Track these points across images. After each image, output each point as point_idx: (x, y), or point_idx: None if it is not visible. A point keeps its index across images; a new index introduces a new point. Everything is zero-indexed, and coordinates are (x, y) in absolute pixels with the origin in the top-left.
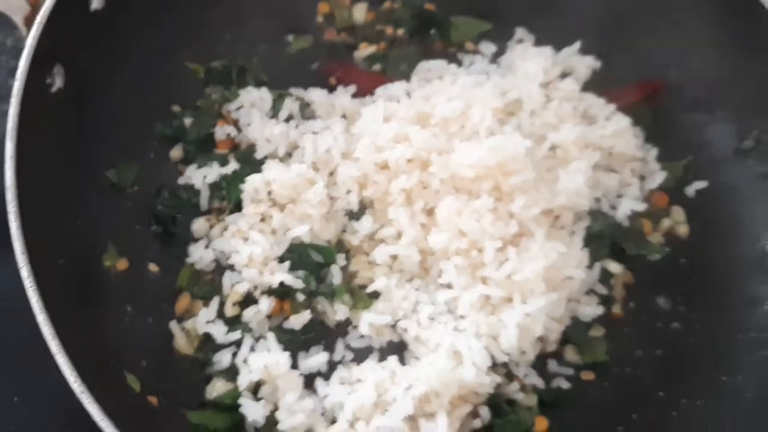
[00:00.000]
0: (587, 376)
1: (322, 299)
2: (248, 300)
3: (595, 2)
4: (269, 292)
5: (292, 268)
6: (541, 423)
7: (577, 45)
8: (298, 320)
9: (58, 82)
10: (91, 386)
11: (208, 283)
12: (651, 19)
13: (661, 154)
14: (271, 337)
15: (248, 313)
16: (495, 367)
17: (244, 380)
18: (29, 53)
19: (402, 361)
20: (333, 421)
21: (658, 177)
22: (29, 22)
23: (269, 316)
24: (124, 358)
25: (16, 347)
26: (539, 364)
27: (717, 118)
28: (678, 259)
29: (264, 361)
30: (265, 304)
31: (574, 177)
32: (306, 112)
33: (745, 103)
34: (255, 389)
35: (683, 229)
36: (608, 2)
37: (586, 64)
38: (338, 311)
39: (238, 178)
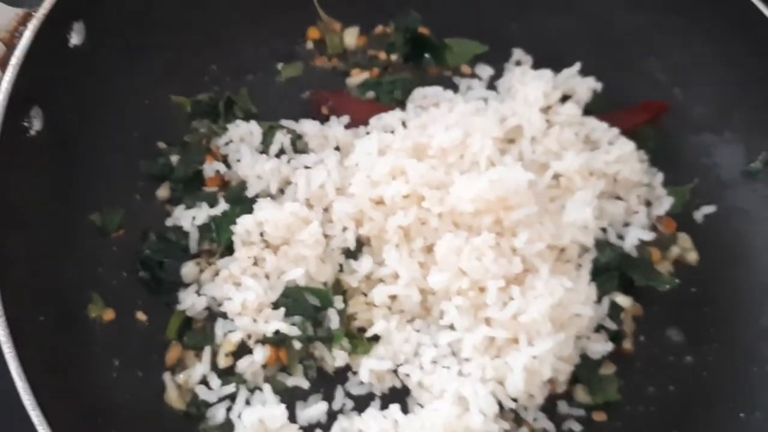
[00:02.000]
0: (599, 416)
1: (319, 345)
2: (242, 349)
3: (595, 21)
4: (264, 340)
5: (288, 314)
6: None
7: (577, 66)
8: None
9: (36, 124)
10: None
11: (200, 332)
12: (653, 37)
13: (667, 179)
14: (267, 388)
15: (242, 364)
16: (502, 412)
17: None
18: (5, 97)
19: (405, 409)
20: None
21: (665, 203)
22: (3, 62)
23: (264, 366)
24: (112, 417)
25: None
26: (549, 406)
27: (724, 139)
28: (688, 289)
29: (259, 415)
30: (260, 353)
31: (580, 209)
32: (298, 145)
33: (752, 123)
34: None
35: (692, 257)
36: (608, 21)
37: (586, 86)
38: (337, 357)
39: (228, 219)
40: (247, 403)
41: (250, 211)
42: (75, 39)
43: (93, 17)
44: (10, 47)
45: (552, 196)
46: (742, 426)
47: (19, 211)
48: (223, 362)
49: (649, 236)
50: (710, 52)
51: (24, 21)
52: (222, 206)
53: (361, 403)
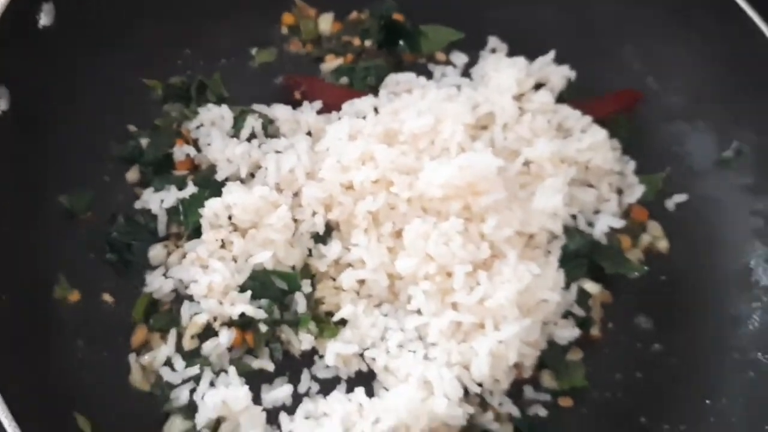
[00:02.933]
0: (565, 402)
1: (286, 328)
2: (208, 332)
3: (571, 9)
4: (230, 323)
5: (254, 297)
6: None
7: (551, 54)
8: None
9: (1, 104)
10: None
11: (166, 314)
12: (628, 26)
13: (639, 167)
14: (231, 370)
15: (208, 346)
16: (468, 396)
17: (202, 418)
18: None
19: (370, 393)
20: None
21: (636, 191)
22: None
23: (230, 349)
24: (74, 398)
25: None
26: (514, 391)
27: (696, 128)
28: (658, 277)
29: (223, 396)
30: (226, 336)
31: (550, 196)
32: (269, 129)
33: (725, 113)
34: (215, 427)
35: (663, 245)
36: (584, 9)
37: (560, 74)
38: (303, 340)
39: (196, 201)
40: (212, 384)
41: (219, 194)
42: (44, 20)
43: None
44: None
45: (522, 183)
46: (708, 412)
47: None
48: (188, 344)
49: (619, 224)
50: (684, 41)
51: None
52: (190, 189)
53: (326, 387)
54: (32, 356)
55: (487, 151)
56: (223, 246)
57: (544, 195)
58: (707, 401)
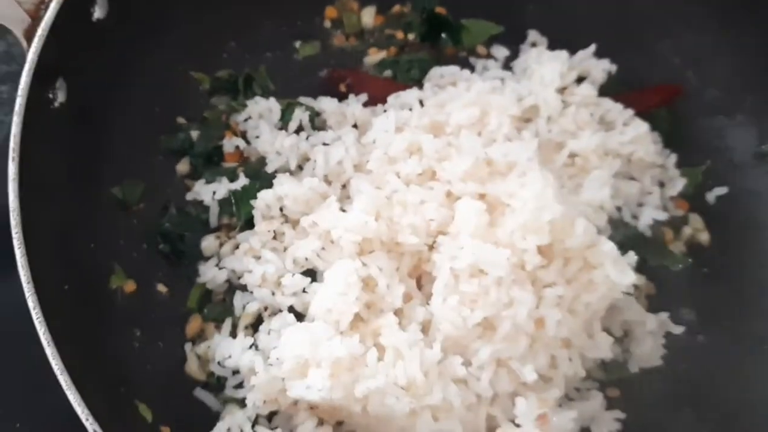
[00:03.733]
0: (612, 393)
1: None
2: (260, 321)
3: (610, 3)
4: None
5: None
6: None
7: (592, 48)
8: None
9: (60, 96)
10: (102, 422)
11: (220, 304)
12: (668, 21)
13: (680, 160)
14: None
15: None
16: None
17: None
18: (30, 68)
19: None
20: None
21: (678, 184)
22: (29, 35)
23: None
24: (134, 386)
25: (21, 371)
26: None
27: (736, 122)
28: (700, 269)
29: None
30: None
31: (597, 188)
32: (316, 122)
33: (764, 106)
34: (270, 416)
35: (704, 237)
36: (623, 4)
37: (601, 68)
38: None
39: (248, 193)
40: None
41: (269, 186)
42: (98, 13)
43: None
44: (36, 19)
45: (569, 174)
46: (752, 405)
47: (42, 181)
48: (242, 334)
49: (663, 216)
50: (723, 36)
51: None
52: (242, 181)
53: None
54: (94, 345)
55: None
56: (274, 237)
57: (592, 187)
58: (749, 393)
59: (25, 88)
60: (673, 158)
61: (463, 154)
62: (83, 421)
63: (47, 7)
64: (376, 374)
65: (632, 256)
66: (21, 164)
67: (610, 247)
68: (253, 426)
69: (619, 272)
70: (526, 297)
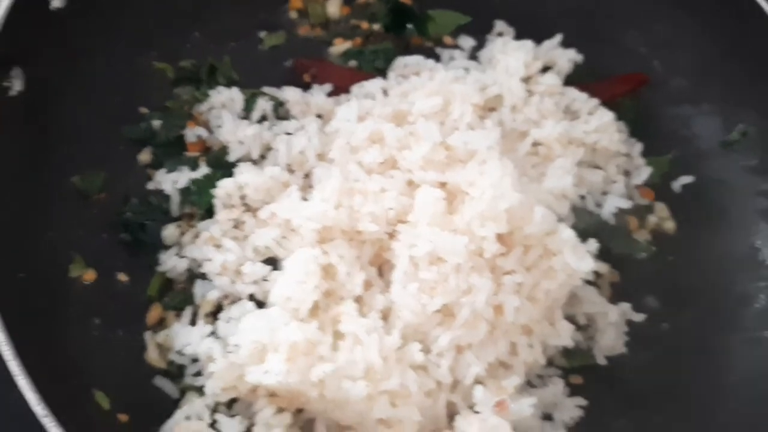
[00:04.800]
0: (576, 380)
1: None
2: (219, 309)
3: None
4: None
5: None
6: None
7: (558, 38)
8: None
9: (17, 85)
10: (55, 408)
11: (180, 293)
12: (634, 10)
13: (646, 149)
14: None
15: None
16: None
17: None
18: None
19: None
20: None
21: (643, 172)
22: None
23: None
24: (92, 375)
25: None
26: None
27: (702, 111)
28: (665, 257)
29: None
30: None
31: (560, 176)
32: (280, 111)
33: (729, 95)
34: (230, 404)
35: (669, 225)
36: None
37: (567, 58)
38: None
39: (209, 182)
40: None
41: (230, 175)
42: (56, 1)
43: None
44: None
45: (532, 163)
46: (717, 392)
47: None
48: (202, 322)
49: (627, 204)
50: (689, 25)
51: None
52: (203, 170)
53: None
54: (50, 334)
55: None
56: (235, 226)
57: (554, 175)
58: (716, 381)
59: None
60: (638, 147)
61: (420, 141)
62: (34, 407)
63: None
64: (333, 359)
65: (593, 244)
66: None
67: (568, 234)
68: (212, 413)
69: (578, 259)
70: (484, 284)
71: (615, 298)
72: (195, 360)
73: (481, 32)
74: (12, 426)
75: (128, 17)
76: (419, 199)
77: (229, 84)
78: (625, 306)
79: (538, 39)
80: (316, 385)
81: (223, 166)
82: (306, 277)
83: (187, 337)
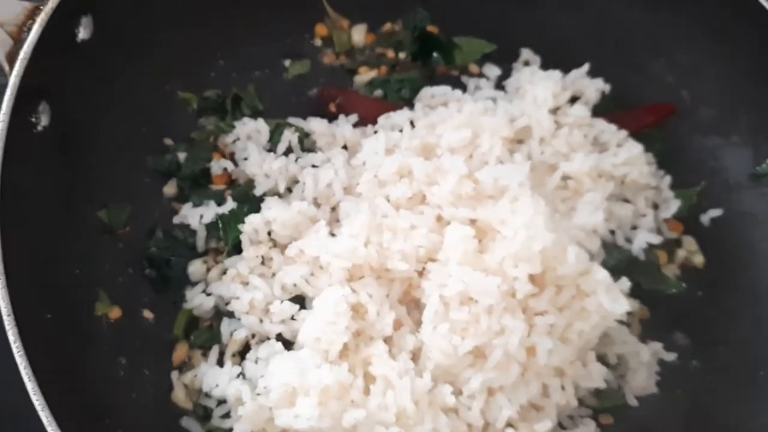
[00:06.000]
0: (606, 420)
1: None
2: (247, 348)
3: (603, 22)
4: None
5: None
6: None
7: (586, 67)
8: None
9: (43, 120)
10: None
11: (206, 331)
12: (661, 39)
13: (674, 181)
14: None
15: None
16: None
17: None
18: (12, 92)
19: None
20: None
21: (672, 205)
22: (11, 57)
23: None
24: (119, 416)
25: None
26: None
27: (731, 142)
28: (694, 292)
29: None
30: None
31: (591, 212)
32: (305, 143)
33: (759, 126)
34: None
35: (699, 260)
36: (617, 22)
37: (595, 87)
38: None
39: (236, 217)
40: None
41: (257, 209)
42: (83, 33)
43: (100, 11)
44: (18, 42)
45: (562, 198)
46: (749, 429)
47: (25, 207)
48: (230, 362)
49: (656, 239)
50: (718, 54)
51: (32, 15)
52: (230, 204)
53: None
54: (77, 374)
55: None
56: (263, 262)
57: (585, 211)
58: (748, 420)
59: (7, 112)
60: (667, 179)
61: (447, 175)
62: None
63: (30, 29)
64: (364, 403)
65: (625, 282)
66: (2, 190)
67: (603, 275)
68: None
69: (612, 300)
70: (517, 325)
71: (644, 334)
72: (222, 401)
73: (506, 61)
74: None
75: (153, 47)
76: (449, 237)
77: (254, 114)
78: (657, 345)
79: (564, 67)
80: (347, 430)
81: (249, 200)
82: (336, 318)
83: (215, 379)
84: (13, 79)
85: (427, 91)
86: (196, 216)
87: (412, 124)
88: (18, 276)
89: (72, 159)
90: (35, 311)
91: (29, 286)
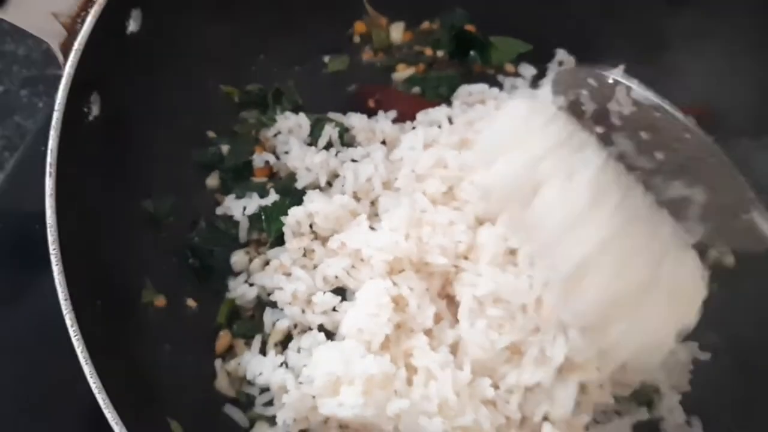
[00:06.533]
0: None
1: None
2: (289, 338)
3: (636, 24)
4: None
5: None
6: None
7: (620, 68)
8: None
9: (94, 110)
10: None
11: (249, 321)
12: (695, 43)
13: None
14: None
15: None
16: None
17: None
18: (67, 81)
19: None
20: None
21: None
22: (66, 48)
23: None
24: (165, 402)
25: (49, 381)
26: None
27: (762, 145)
28: (725, 292)
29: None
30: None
31: None
32: (345, 138)
33: None
34: None
35: (729, 260)
36: (650, 24)
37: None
38: None
39: (278, 209)
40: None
41: (299, 202)
42: (132, 26)
43: (149, 5)
44: (72, 33)
45: None
46: None
47: (77, 194)
48: (273, 352)
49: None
50: (749, 57)
51: (85, 6)
52: (272, 197)
53: None
54: (129, 363)
55: None
56: (304, 254)
57: None
58: None
59: (62, 102)
60: None
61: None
62: None
63: (83, 20)
64: (408, 394)
65: None
66: (57, 177)
67: None
68: None
69: None
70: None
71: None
72: (264, 389)
73: (542, 61)
74: None
75: (196, 41)
76: (482, 237)
77: (295, 109)
78: (693, 345)
79: (598, 68)
80: (391, 419)
81: (291, 193)
82: (379, 310)
83: (258, 367)
84: (68, 69)
85: (464, 89)
86: (239, 207)
87: (450, 120)
88: (71, 262)
89: (119, 149)
90: (87, 298)
91: (81, 273)
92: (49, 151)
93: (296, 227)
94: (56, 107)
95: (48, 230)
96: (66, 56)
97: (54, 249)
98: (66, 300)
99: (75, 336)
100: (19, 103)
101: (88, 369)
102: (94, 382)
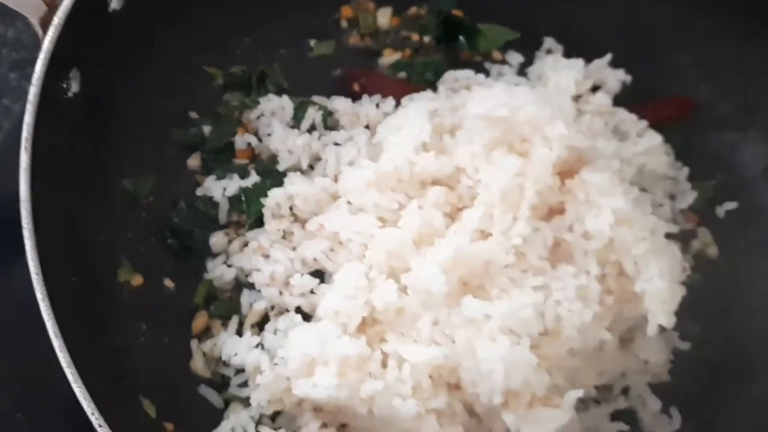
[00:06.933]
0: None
1: None
2: (266, 319)
3: (626, 13)
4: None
5: None
6: None
7: (608, 57)
8: None
9: (73, 86)
10: (108, 417)
11: (226, 302)
12: (683, 33)
13: (691, 173)
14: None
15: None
16: None
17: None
18: (46, 57)
19: None
20: None
21: (689, 197)
22: (45, 23)
23: None
24: (139, 381)
25: (25, 363)
26: None
27: (749, 137)
28: (708, 283)
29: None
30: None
31: None
32: (329, 121)
33: None
34: (273, 416)
35: (713, 251)
36: (639, 14)
37: (616, 78)
38: None
39: (259, 191)
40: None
41: (280, 184)
42: (114, 3)
43: None
44: (52, 8)
45: None
46: (759, 417)
47: (54, 169)
48: (249, 332)
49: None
50: (739, 50)
51: None
52: (253, 178)
53: None
54: (102, 339)
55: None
56: (284, 236)
57: None
58: (760, 409)
59: (40, 77)
60: (684, 171)
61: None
62: (89, 415)
63: None
64: (382, 376)
65: None
66: (33, 154)
67: None
68: (256, 426)
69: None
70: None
71: None
72: (240, 371)
73: (529, 48)
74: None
75: (181, 21)
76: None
77: (279, 92)
78: (673, 334)
79: (587, 57)
80: (365, 401)
81: (272, 175)
82: (356, 292)
83: (234, 348)
84: (47, 45)
85: (450, 75)
86: (220, 189)
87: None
88: (45, 235)
89: (99, 127)
90: (62, 272)
91: (56, 247)
92: (24, 125)
93: (276, 209)
94: (33, 81)
95: (21, 205)
96: (45, 31)
97: (27, 223)
98: (38, 274)
99: (45, 310)
100: (8, 86)
101: (57, 343)
102: (63, 356)
